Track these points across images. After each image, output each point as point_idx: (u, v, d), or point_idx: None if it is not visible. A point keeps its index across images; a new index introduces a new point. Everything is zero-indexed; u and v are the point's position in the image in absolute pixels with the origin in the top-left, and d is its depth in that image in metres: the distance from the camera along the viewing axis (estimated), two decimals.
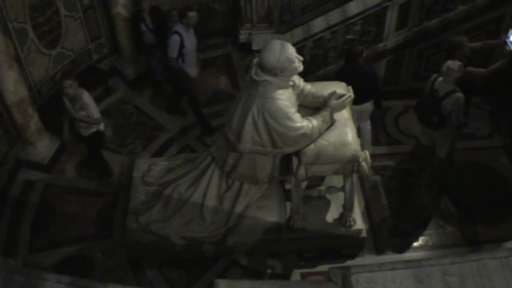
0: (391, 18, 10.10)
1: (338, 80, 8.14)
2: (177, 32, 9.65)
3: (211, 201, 8.08)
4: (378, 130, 10.35)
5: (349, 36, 10.06)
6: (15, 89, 9.29)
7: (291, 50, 6.94)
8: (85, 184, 9.91)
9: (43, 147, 10.08)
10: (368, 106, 9.29)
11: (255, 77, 7.00)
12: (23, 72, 9.79)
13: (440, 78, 8.44)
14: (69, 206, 9.60)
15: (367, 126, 9.63)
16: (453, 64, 8.24)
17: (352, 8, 10.06)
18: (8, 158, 9.97)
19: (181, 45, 9.70)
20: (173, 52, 9.70)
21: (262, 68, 6.95)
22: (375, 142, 10.04)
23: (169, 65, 9.93)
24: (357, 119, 8.98)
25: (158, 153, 10.18)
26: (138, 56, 11.18)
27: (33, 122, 9.78)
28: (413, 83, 10.78)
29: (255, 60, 7.13)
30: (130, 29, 10.77)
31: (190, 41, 9.89)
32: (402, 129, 10.39)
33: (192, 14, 9.69)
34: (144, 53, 10.81)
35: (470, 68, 8.72)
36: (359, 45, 9.17)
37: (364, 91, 8.70)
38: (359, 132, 8.93)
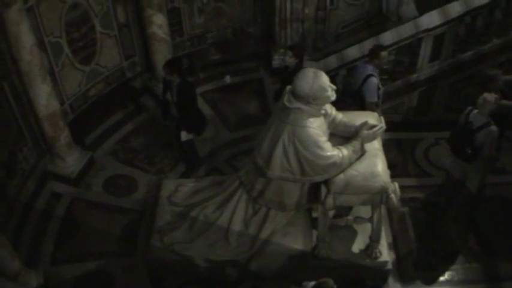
0: (425, 49, 10.07)
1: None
2: (372, 75, 9.17)
3: (237, 225, 8.05)
4: (408, 161, 10.29)
5: (384, 66, 10.04)
6: (47, 103, 9.39)
7: (324, 79, 6.93)
8: (111, 200, 9.95)
9: (72, 161, 10.16)
10: None
11: (287, 103, 7.00)
12: (56, 86, 9.91)
13: (475, 111, 8.37)
14: (94, 221, 9.64)
15: None
16: (490, 96, 8.19)
17: (387, 38, 10.03)
18: (36, 170, 10.05)
19: (377, 88, 9.29)
20: (374, 96, 9.23)
21: (295, 95, 6.94)
22: (405, 173, 9.98)
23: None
24: None
25: (186, 174, 10.22)
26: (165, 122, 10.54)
27: (64, 136, 9.88)
28: (444, 115, 10.71)
29: (288, 87, 7.13)
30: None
31: (380, 82, 9.43)
32: (432, 161, 10.30)
33: (385, 54, 9.33)
34: (170, 122, 10.21)
35: (503, 101, 8.66)
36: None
37: None
38: None
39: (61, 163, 10.12)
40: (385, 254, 8.22)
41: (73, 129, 10.23)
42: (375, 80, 9.16)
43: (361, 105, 9.21)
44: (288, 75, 9.39)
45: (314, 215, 8.22)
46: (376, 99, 9.26)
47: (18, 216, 9.55)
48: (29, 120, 9.66)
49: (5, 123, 9.22)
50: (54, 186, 10.15)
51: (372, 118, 7.73)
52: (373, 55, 9.25)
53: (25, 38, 8.64)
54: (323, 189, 7.42)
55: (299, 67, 9.26)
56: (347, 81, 9.83)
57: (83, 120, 10.81)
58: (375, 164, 7.38)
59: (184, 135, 9.84)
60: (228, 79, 11.67)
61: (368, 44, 10.10)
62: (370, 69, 9.22)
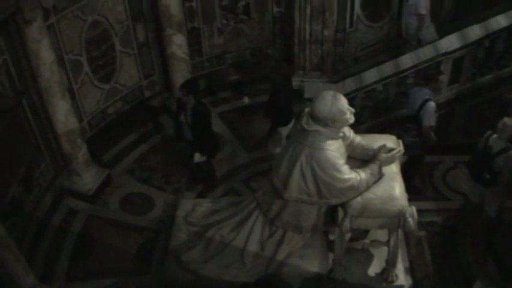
0: (444, 72, 10.03)
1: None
2: (430, 99, 9.21)
3: (253, 247, 8.01)
4: (426, 185, 10.23)
5: (401, 89, 10.01)
6: (65, 119, 9.46)
7: (343, 102, 6.92)
8: (127, 218, 9.98)
9: (89, 178, 10.21)
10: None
11: (305, 126, 6.98)
12: (74, 104, 10.00)
13: (494, 135, 8.33)
14: (109, 239, 9.66)
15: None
16: (510, 121, 8.15)
17: (406, 61, 10.02)
18: (53, 186, 10.10)
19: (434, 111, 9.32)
20: (432, 120, 9.29)
21: (313, 117, 6.93)
22: (422, 197, 9.92)
23: (425, 137, 9.41)
24: None
25: (203, 194, 10.22)
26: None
27: (81, 153, 9.93)
28: (463, 139, 10.65)
29: (307, 110, 7.12)
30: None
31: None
32: (450, 185, 10.24)
33: (443, 77, 9.43)
34: (183, 143, 10.23)
35: None
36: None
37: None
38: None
39: (78, 180, 10.17)
40: (402, 278, 8.15)
41: (91, 146, 10.30)
42: (432, 104, 9.19)
43: (418, 129, 9.28)
44: (271, 93, 9.97)
45: (331, 237, 8.16)
46: (433, 123, 9.31)
47: (34, 232, 9.59)
48: (47, 136, 9.73)
49: (23, 138, 9.29)
50: (71, 203, 10.20)
51: (390, 141, 7.69)
52: (430, 79, 9.30)
53: (45, 55, 8.75)
54: (340, 212, 7.39)
55: (280, 85, 9.76)
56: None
57: (101, 137, 10.88)
58: (392, 187, 7.35)
59: (197, 157, 9.84)
60: (246, 100, 11.71)
61: (387, 67, 10.11)
62: (427, 93, 9.26)
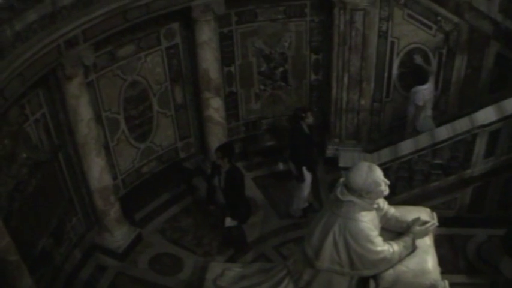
0: (480, 145, 9.96)
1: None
2: None
3: None
4: (459, 258, 10.07)
5: (437, 161, 9.94)
6: (100, 176, 9.59)
7: (378, 173, 6.89)
8: (156, 278, 10.00)
9: (120, 235, 10.27)
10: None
11: (340, 196, 6.95)
12: (109, 161, 10.15)
13: None
14: None
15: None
16: None
17: (442, 133, 9.97)
18: (83, 241, 10.19)
19: None
20: None
21: (348, 188, 6.90)
22: (455, 270, 9.76)
23: None
24: None
25: (233, 259, 10.17)
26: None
27: (114, 211, 10.01)
28: (498, 212, 10.51)
29: (341, 180, 7.11)
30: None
31: None
32: (484, 258, 10.06)
33: None
34: (214, 207, 10.27)
35: None
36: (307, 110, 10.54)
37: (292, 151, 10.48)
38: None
39: (109, 236, 10.22)
40: None
41: (123, 204, 10.38)
42: None
43: None
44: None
45: None
46: None
47: (62, 285, 9.64)
48: (80, 191, 9.86)
49: (57, 192, 9.41)
50: (100, 259, 10.26)
51: (424, 214, 7.62)
52: None
53: (83, 112, 8.94)
54: (371, 284, 7.27)
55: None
56: None
57: (134, 196, 10.97)
58: (425, 260, 7.23)
59: (228, 221, 9.87)
60: (281, 166, 11.76)
61: (423, 138, 10.08)
62: None
